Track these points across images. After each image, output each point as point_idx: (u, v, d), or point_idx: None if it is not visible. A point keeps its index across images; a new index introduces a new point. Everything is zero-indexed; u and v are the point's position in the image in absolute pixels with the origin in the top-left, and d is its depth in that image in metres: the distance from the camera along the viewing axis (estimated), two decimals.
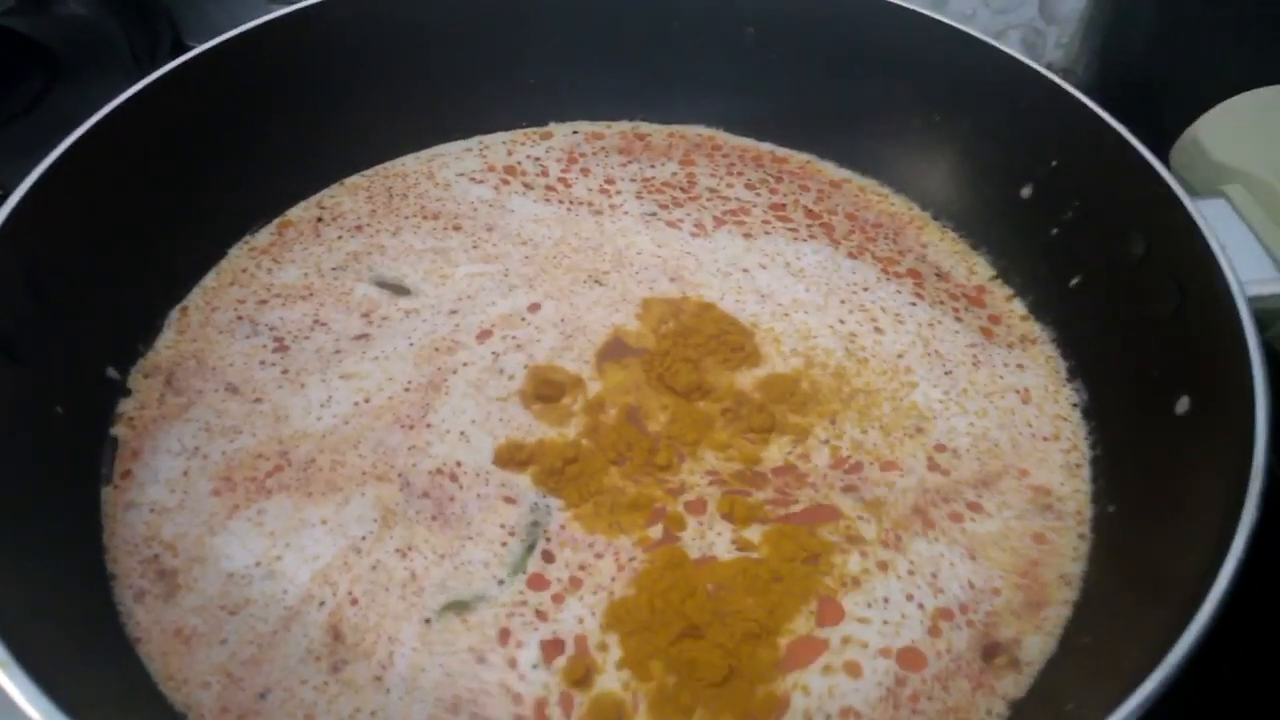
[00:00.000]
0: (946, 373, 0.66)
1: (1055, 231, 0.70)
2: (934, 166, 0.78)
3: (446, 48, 0.80)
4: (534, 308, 0.70)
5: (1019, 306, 0.71)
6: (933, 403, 0.65)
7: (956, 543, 0.58)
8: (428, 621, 0.54)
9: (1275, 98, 0.67)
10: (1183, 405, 0.56)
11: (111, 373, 0.64)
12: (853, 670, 0.52)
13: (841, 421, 0.63)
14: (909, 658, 0.53)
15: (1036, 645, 0.54)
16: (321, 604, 0.54)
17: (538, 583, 0.56)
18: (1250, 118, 0.67)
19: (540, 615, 0.54)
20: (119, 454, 0.61)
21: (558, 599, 0.55)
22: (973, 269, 0.74)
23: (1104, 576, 0.56)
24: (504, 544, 0.57)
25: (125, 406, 0.63)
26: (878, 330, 0.69)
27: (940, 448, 0.62)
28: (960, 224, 0.76)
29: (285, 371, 0.66)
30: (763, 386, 0.65)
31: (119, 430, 0.62)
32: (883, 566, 0.56)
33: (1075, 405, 0.65)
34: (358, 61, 0.77)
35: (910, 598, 0.55)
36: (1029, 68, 0.71)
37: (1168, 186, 0.61)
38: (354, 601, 0.54)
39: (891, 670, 0.52)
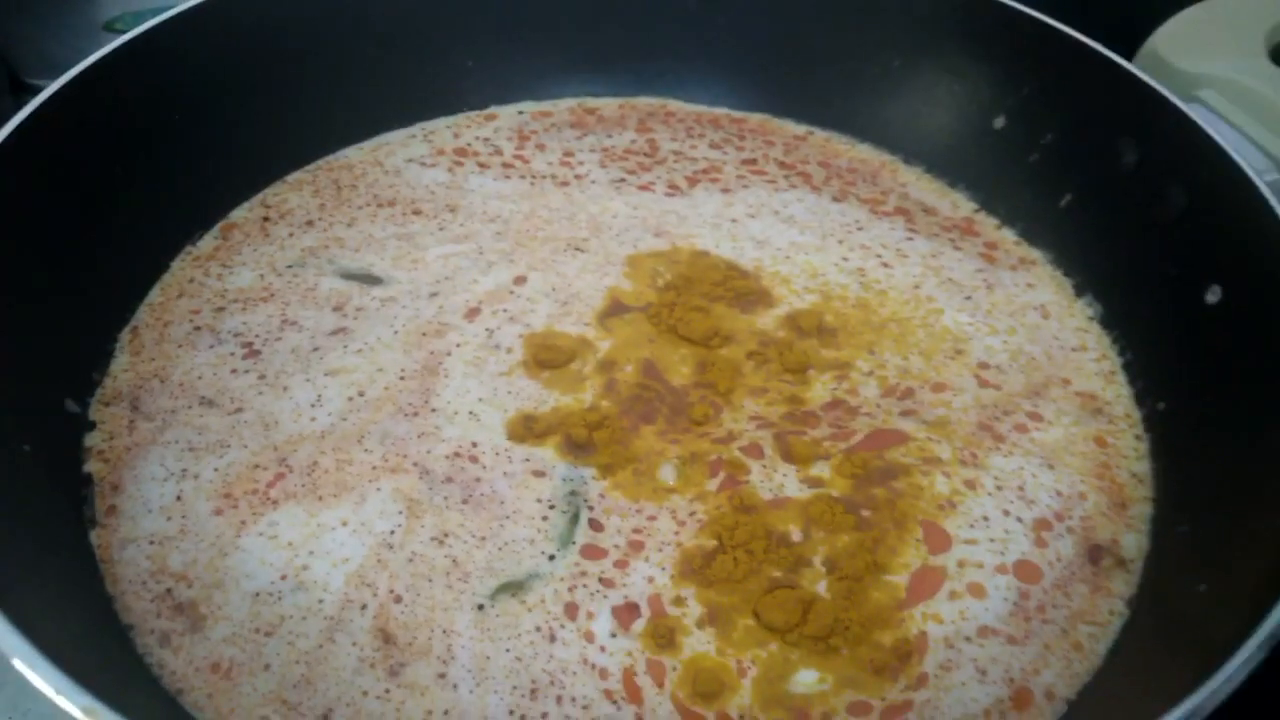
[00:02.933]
0: (966, 298, 0.65)
1: (1035, 157, 0.70)
2: (897, 112, 0.77)
3: (378, 35, 0.75)
4: (519, 280, 0.66)
5: (1010, 234, 0.70)
6: (963, 325, 0.63)
7: (1031, 453, 0.56)
8: (480, 608, 0.49)
9: (1225, 6, 0.69)
10: (1214, 294, 0.57)
11: (71, 406, 0.57)
12: (977, 591, 0.50)
13: (880, 350, 0.61)
14: (1024, 571, 0.51)
15: (1133, 543, 0.53)
16: (363, 607, 0.48)
17: (593, 552, 0.51)
18: (1206, 26, 0.69)
19: (606, 583, 0.50)
20: (98, 491, 0.54)
21: (621, 564, 0.51)
22: (955, 204, 0.73)
23: (1173, 467, 0.55)
24: (544, 518, 0.53)
25: (93, 440, 0.56)
26: (885, 265, 0.67)
27: (984, 365, 0.61)
28: (932, 164, 0.75)
29: (262, 377, 0.59)
30: (785, 324, 0.63)
31: (92, 466, 0.55)
32: (970, 485, 0.54)
33: (1091, 318, 0.64)
34: (288, 53, 0.71)
35: (1007, 513, 0.53)
36: None
37: (1154, 90, 0.62)
38: (397, 599, 0.49)
39: (1013, 585, 0.51)
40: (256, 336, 0.62)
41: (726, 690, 0.46)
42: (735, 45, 0.80)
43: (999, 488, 0.54)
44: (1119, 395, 0.60)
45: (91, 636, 0.47)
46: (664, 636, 0.48)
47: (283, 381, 0.59)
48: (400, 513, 0.52)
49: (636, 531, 0.52)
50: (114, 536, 0.52)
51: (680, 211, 0.71)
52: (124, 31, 0.64)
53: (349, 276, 0.66)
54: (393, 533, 0.51)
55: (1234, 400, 0.54)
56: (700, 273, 0.66)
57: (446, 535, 0.52)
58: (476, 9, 0.78)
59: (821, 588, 0.50)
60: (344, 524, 0.52)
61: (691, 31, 0.80)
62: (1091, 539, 0.52)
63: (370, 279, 0.66)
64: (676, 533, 0.52)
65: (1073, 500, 0.54)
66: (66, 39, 0.87)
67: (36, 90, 0.58)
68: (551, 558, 0.51)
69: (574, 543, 0.52)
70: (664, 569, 0.51)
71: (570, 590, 0.50)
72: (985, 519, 0.53)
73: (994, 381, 0.60)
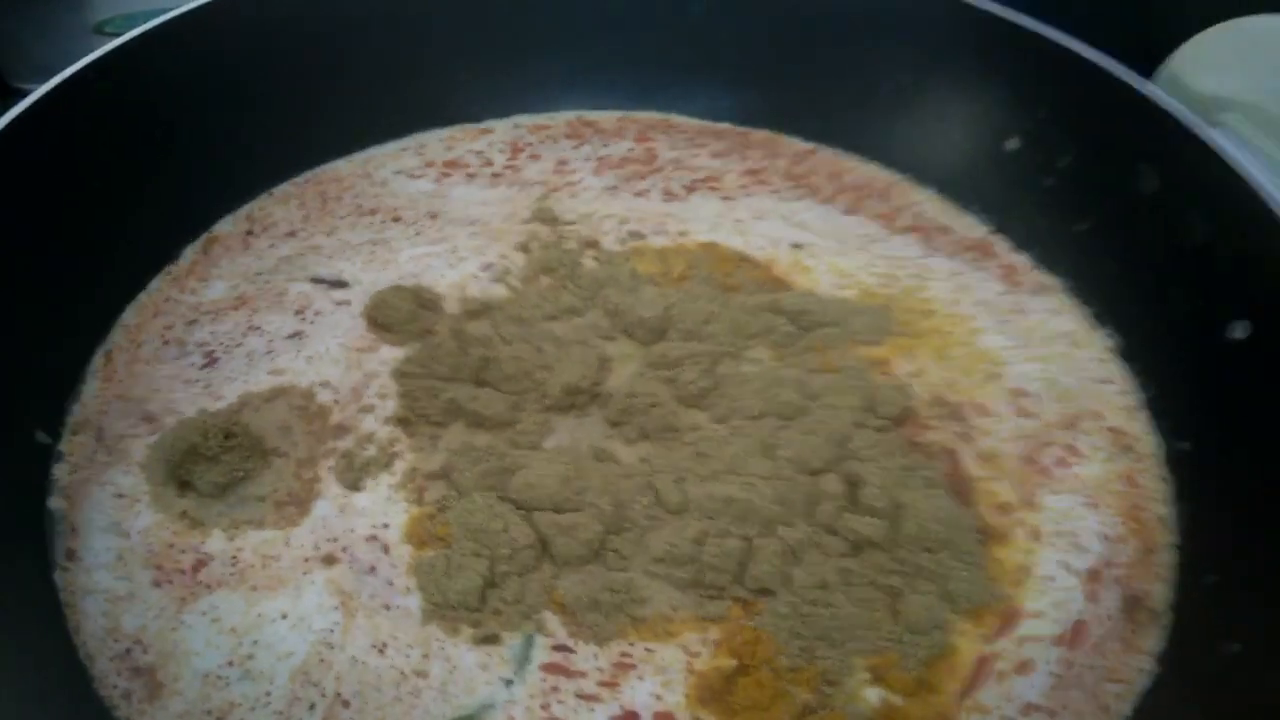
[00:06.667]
0: (1003, 321, 0.63)
1: (1050, 181, 0.67)
2: (908, 131, 0.73)
3: (372, 47, 0.72)
4: (486, 266, 0.64)
5: (1026, 258, 0.67)
6: (1000, 349, 0.61)
7: (1076, 491, 0.53)
8: None
9: (1248, 27, 0.67)
10: (1238, 330, 0.54)
11: (42, 437, 0.53)
12: (1025, 669, 0.47)
13: (920, 357, 0.59)
14: (1076, 636, 0.48)
15: (1160, 593, 0.50)
16: (311, 706, 0.45)
17: (564, 671, 0.46)
18: (1226, 49, 0.66)
19: (588, 698, 0.45)
20: (59, 531, 0.50)
21: (610, 684, 0.46)
22: (969, 225, 0.69)
23: (1200, 512, 0.53)
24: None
25: (59, 472, 0.53)
26: (915, 277, 0.65)
27: (1019, 392, 0.58)
28: (944, 186, 0.72)
29: (208, 386, 0.57)
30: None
31: (55, 502, 0.51)
32: (1035, 535, 0.51)
33: (1112, 349, 0.61)
34: (279, 66, 0.68)
35: (1066, 566, 0.51)
36: (1001, 18, 0.67)
37: (1175, 114, 0.60)
38: (345, 703, 0.45)
39: (1062, 657, 0.47)
40: (220, 345, 0.59)
41: None
42: (741, 58, 0.76)
43: (1058, 534, 0.52)
44: (1144, 432, 0.57)
45: (57, 680, 0.45)
46: None
47: (221, 390, 0.56)
48: (336, 608, 0.48)
49: (625, 654, 0.47)
50: (75, 582, 0.48)
51: (679, 214, 0.69)
52: (115, 35, 0.61)
53: (318, 281, 0.64)
54: (332, 631, 0.47)
55: (1261, 442, 0.51)
56: (712, 264, 0.64)
57: (385, 645, 0.47)
58: (471, 22, 0.74)
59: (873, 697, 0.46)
60: (284, 616, 0.48)
61: (696, 44, 0.76)
62: (1129, 589, 0.50)
63: (338, 283, 0.64)
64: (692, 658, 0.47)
65: (1116, 545, 0.52)
66: (56, 42, 0.83)
67: (24, 95, 0.55)
68: (509, 683, 0.46)
69: (531, 662, 0.47)
70: (669, 690, 0.46)
71: (544, 708, 0.45)
72: (1051, 579, 0.50)
73: (1030, 410, 0.57)
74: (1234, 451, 0.53)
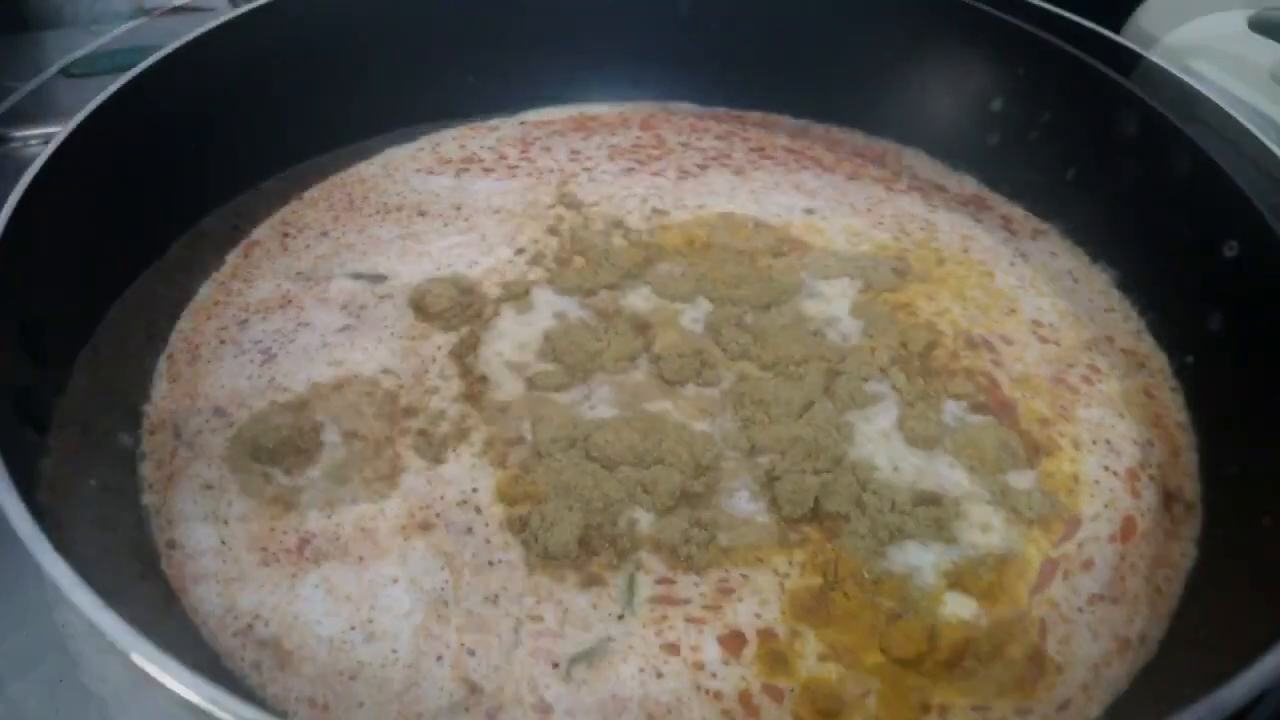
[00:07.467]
0: (1010, 264, 0.68)
1: (1034, 135, 0.72)
2: (893, 102, 0.78)
3: (377, 54, 0.75)
4: (520, 250, 0.67)
5: (1019, 209, 0.73)
6: (1012, 288, 0.66)
7: (1104, 404, 0.59)
8: (556, 665, 0.47)
9: (1226, 21, 0.72)
10: (1228, 249, 0.59)
11: (125, 439, 0.55)
12: (1088, 565, 0.52)
13: (940, 299, 0.65)
14: (1126, 530, 0.53)
15: (1191, 488, 0.55)
16: (439, 658, 0.47)
17: (666, 601, 0.49)
18: (1206, 41, 0.71)
19: (696, 621, 0.48)
20: (156, 524, 0.52)
21: (713, 608, 0.49)
22: (962, 183, 0.75)
23: (1211, 415, 0.58)
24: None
25: (145, 471, 0.54)
26: (923, 230, 0.70)
27: (1037, 323, 0.64)
28: (934, 150, 0.77)
29: (272, 380, 0.59)
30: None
31: (148, 498, 0.53)
32: (1076, 445, 0.57)
33: (1110, 283, 0.67)
34: (295, 79, 0.71)
35: (1107, 468, 0.56)
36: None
37: (1147, 63, 0.65)
38: (471, 652, 0.47)
39: (1116, 550, 0.52)
40: (275, 341, 0.61)
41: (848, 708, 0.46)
42: (729, 46, 0.81)
43: (1095, 442, 0.57)
44: (1150, 351, 0.63)
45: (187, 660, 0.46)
46: (780, 663, 0.47)
47: (286, 382, 0.59)
48: (442, 568, 0.50)
49: (723, 580, 0.50)
50: (182, 570, 0.50)
51: (695, 190, 0.73)
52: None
53: (358, 276, 0.66)
54: (442, 589, 0.49)
55: (1254, 348, 0.57)
56: (730, 232, 0.69)
57: (498, 596, 0.49)
58: (472, 25, 0.78)
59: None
60: (395, 581, 0.50)
61: (685, 34, 0.81)
62: (1165, 486, 0.55)
63: (376, 277, 0.66)
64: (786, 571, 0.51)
65: (1146, 449, 0.57)
66: (50, 40, 0.85)
67: None
68: (621, 618, 0.49)
69: (636, 596, 0.50)
70: (769, 606, 0.49)
71: (658, 634, 0.48)
72: (1097, 483, 0.55)
73: (1051, 337, 0.63)
74: (1232, 358, 0.58)
